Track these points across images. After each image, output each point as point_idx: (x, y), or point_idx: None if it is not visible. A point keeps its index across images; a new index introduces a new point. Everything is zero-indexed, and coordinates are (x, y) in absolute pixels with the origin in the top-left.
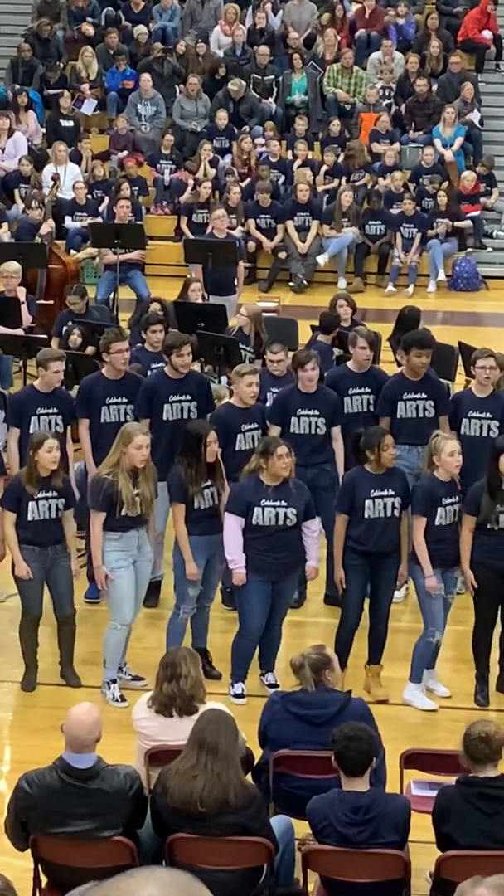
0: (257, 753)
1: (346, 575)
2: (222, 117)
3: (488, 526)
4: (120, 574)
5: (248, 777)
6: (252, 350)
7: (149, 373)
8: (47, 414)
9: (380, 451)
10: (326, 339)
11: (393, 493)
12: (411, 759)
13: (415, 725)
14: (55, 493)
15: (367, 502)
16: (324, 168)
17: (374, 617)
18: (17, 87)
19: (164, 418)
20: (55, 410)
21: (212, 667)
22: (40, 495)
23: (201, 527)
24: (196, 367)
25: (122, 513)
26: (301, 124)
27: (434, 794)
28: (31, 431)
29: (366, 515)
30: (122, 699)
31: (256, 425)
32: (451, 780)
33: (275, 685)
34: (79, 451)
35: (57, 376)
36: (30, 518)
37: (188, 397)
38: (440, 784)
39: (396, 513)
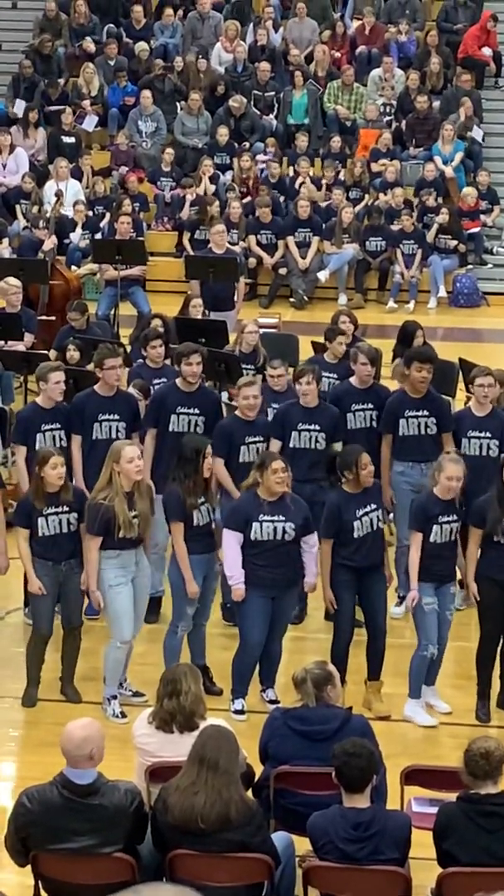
0: (258, 769)
1: (337, 591)
2: (223, 134)
3: (494, 538)
4: (119, 591)
5: (249, 793)
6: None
7: (151, 389)
8: (51, 429)
9: (358, 470)
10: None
11: (375, 506)
12: (412, 776)
13: (415, 742)
14: (65, 508)
15: (356, 523)
16: (324, 182)
17: (372, 632)
18: (27, 103)
19: (171, 430)
20: (58, 425)
21: (212, 683)
22: (50, 511)
23: (199, 545)
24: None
25: (120, 535)
26: (302, 140)
27: (435, 810)
28: (37, 448)
29: (355, 536)
30: (123, 715)
31: (261, 438)
32: (451, 796)
33: (275, 701)
34: None
35: (58, 387)
36: (41, 534)
37: (196, 411)
38: (441, 801)
39: (380, 524)
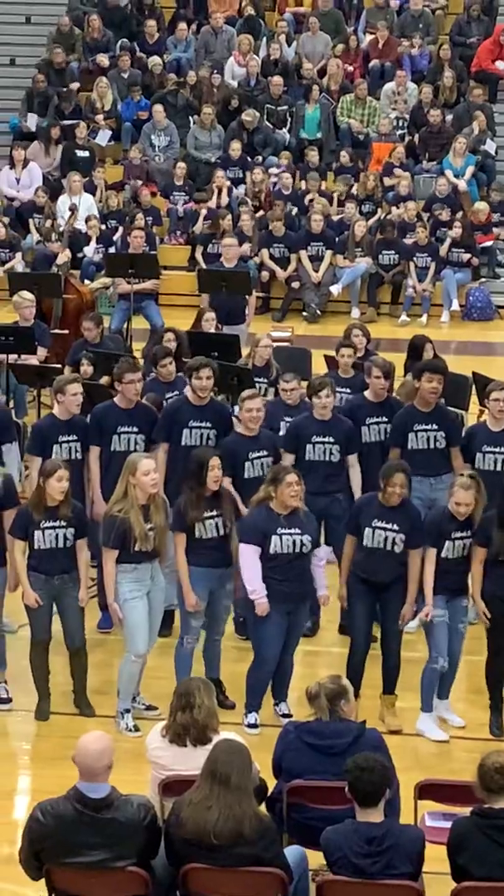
0: (271, 783)
1: (351, 600)
2: (236, 148)
3: (500, 558)
4: (134, 605)
5: (262, 807)
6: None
7: (164, 402)
8: (67, 441)
9: (387, 486)
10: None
11: (397, 528)
12: (426, 790)
13: (429, 756)
14: (63, 523)
15: (367, 530)
16: (336, 196)
17: (385, 649)
18: (42, 118)
19: (183, 443)
20: (75, 438)
21: (225, 696)
22: (47, 524)
23: (203, 558)
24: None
25: (136, 548)
26: (313, 155)
27: (448, 825)
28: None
29: (364, 543)
30: (136, 729)
31: (266, 452)
32: (465, 811)
33: (288, 715)
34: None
35: (75, 399)
36: (36, 546)
37: (208, 424)
38: (455, 815)
39: (397, 548)
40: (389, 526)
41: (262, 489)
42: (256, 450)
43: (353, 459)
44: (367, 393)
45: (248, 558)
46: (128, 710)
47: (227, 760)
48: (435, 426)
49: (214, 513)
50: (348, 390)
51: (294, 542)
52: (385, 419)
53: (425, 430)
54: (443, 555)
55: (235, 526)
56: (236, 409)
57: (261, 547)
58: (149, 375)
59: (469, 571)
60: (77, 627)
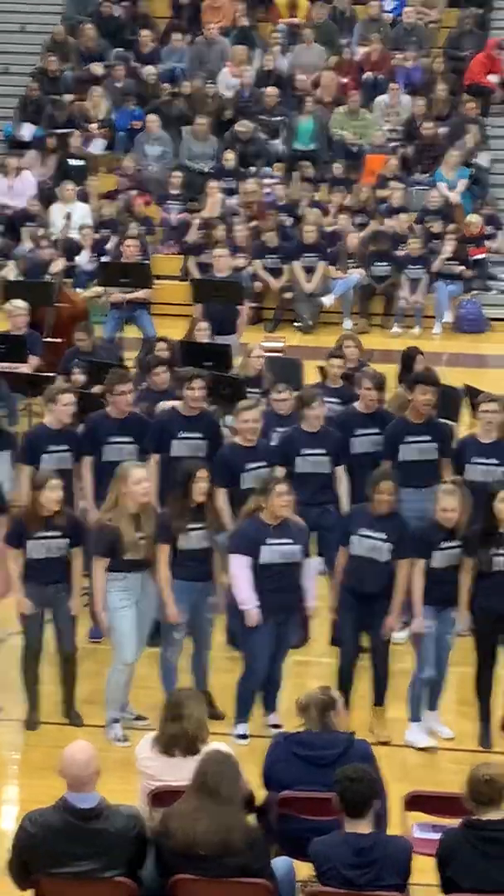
0: (260, 794)
1: (340, 611)
2: (230, 158)
3: (484, 569)
4: (123, 614)
5: (251, 818)
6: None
7: (157, 410)
8: (57, 451)
9: (374, 493)
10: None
11: (385, 537)
12: (414, 802)
13: (417, 767)
14: (58, 533)
15: (354, 538)
16: (330, 207)
17: (374, 658)
18: (37, 127)
19: (174, 455)
20: (65, 448)
21: (215, 707)
22: (41, 534)
23: (186, 570)
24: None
25: (126, 557)
26: (306, 170)
27: (437, 836)
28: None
29: (352, 552)
30: (125, 739)
31: (263, 463)
32: (454, 822)
33: (278, 726)
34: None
35: (67, 409)
36: (30, 556)
37: (199, 435)
38: (443, 827)
39: (384, 557)
40: (377, 535)
41: (252, 500)
42: (253, 461)
43: (340, 471)
44: (357, 404)
45: (239, 569)
46: (117, 720)
47: (216, 771)
48: (427, 437)
49: (199, 525)
50: (337, 400)
51: (284, 553)
52: (376, 431)
53: (417, 442)
54: (432, 565)
55: (218, 539)
56: (228, 419)
57: (251, 557)
58: (140, 385)
59: (457, 583)
60: (69, 634)
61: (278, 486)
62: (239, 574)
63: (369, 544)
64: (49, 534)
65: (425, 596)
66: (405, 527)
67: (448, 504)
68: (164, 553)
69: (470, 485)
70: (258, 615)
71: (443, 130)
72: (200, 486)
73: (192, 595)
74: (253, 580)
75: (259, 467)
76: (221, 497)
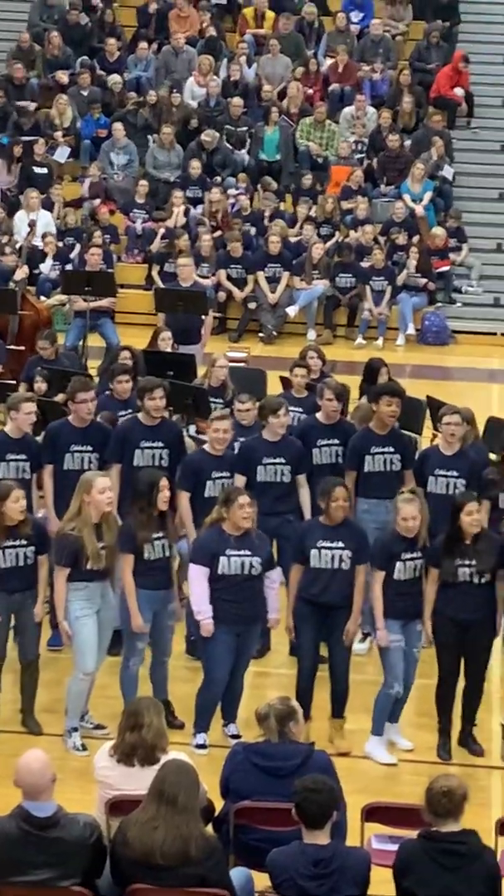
0: (219, 804)
1: (298, 624)
2: (195, 167)
3: (448, 580)
4: (84, 623)
5: (209, 828)
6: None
7: (119, 419)
8: (16, 460)
9: (329, 501)
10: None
11: (343, 545)
12: (372, 813)
13: (377, 779)
14: (23, 542)
15: (314, 552)
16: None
17: (333, 672)
18: (10, 137)
19: (135, 464)
20: (24, 457)
21: (174, 717)
22: (7, 543)
23: (150, 580)
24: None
25: (88, 566)
26: (269, 185)
27: (395, 847)
28: (0, 477)
29: (312, 565)
30: (84, 748)
31: (228, 474)
32: (412, 834)
33: (237, 736)
34: (41, 497)
35: (28, 418)
36: None
37: (160, 444)
38: (401, 838)
39: (345, 566)
40: (335, 544)
41: (214, 510)
42: (220, 469)
43: (302, 479)
44: (319, 415)
45: (196, 578)
46: (76, 729)
47: (174, 781)
48: (391, 449)
49: (161, 534)
50: (300, 409)
51: (243, 564)
52: (336, 441)
53: (382, 453)
54: (395, 577)
55: (181, 547)
56: (191, 429)
57: (209, 567)
58: (103, 393)
59: (421, 595)
60: (32, 641)
61: (240, 497)
62: (196, 584)
63: (329, 555)
64: (15, 543)
65: (390, 609)
66: (362, 532)
67: (408, 512)
68: (128, 563)
69: (431, 497)
70: (212, 625)
71: (408, 143)
72: (164, 496)
73: (154, 604)
74: (210, 590)
75: (223, 477)
76: (184, 500)
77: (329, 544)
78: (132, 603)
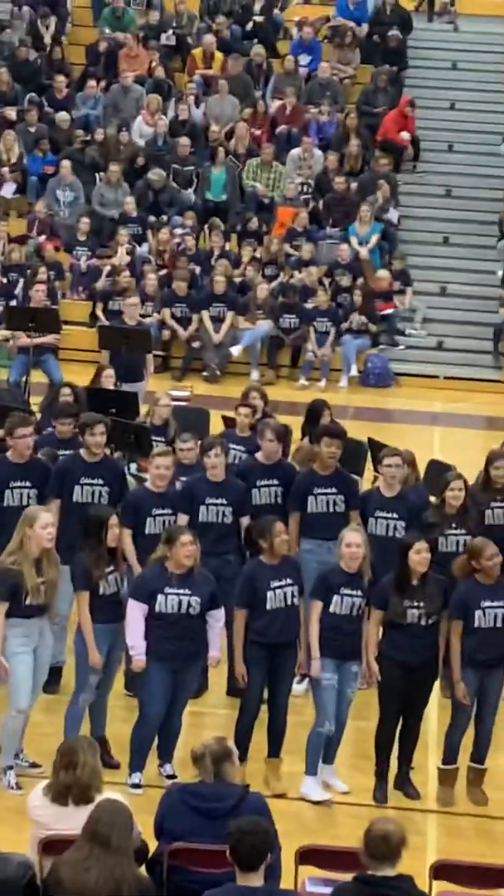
0: (153, 845)
1: (248, 668)
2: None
3: (396, 621)
4: (21, 659)
5: (142, 869)
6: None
7: (60, 456)
8: None
9: (272, 538)
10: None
11: (291, 581)
12: (307, 855)
13: (312, 821)
14: None
15: (269, 594)
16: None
17: (274, 710)
18: None
19: (74, 500)
20: None
21: (110, 756)
22: None
23: (104, 614)
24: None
25: (27, 602)
26: (216, 230)
27: (329, 891)
28: None
29: (268, 607)
30: (18, 786)
31: (169, 511)
32: (346, 877)
33: (173, 776)
34: None
35: None
36: None
37: (100, 481)
38: (336, 881)
39: (295, 601)
40: (284, 582)
41: (158, 548)
42: (161, 507)
43: (244, 522)
44: (259, 455)
45: (132, 614)
46: (10, 767)
47: (108, 821)
48: (333, 490)
49: (112, 568)
50: (242, 448)
51: (181, 603)
52: (276, 482)
53: (324, 494)
54: (331, 609)
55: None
56: (132, 467)
57: (147, 605)
58: (45, 430)
59: (358, 636)
60: None
61: (183, 535)
62: (131, 620)
63: (281, 594)
64: None
65: (325, 648)
66: (298, 564)
67: (352, 538)
68: (84, 600)
69: (373, 538)
70: (143, 662)
71: (354, 185)
72: (114, 532)
73: (110, 637)
74: (149, 627)
75: (165, 514)
76: (127, 538)
77: (280, 583)
78: (90, 639)
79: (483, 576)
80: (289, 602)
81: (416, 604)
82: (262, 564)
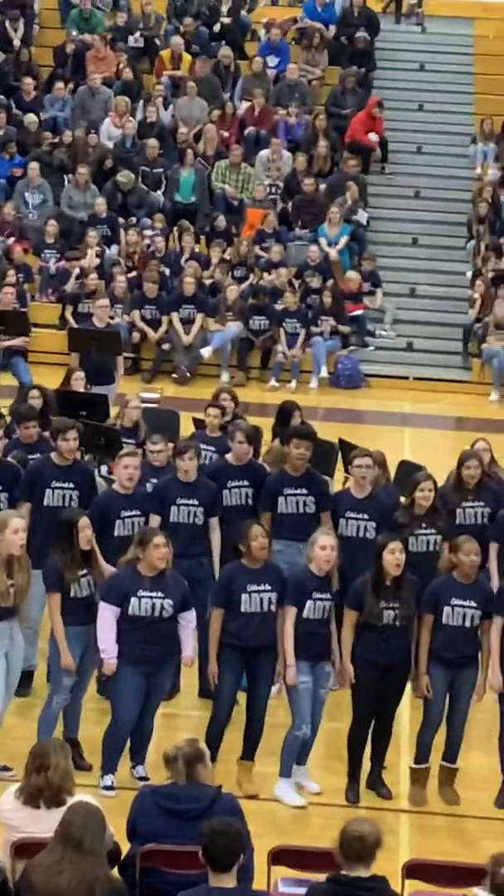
0: (125, 847)
1: (220, 670)
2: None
3: (370, 622)
4: None
5: (115, 871)
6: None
7: (30, 460)
8: None
9: (248, 541)
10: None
11: (269, 587)
12: (279, 856)
13: (285, 821)
14: None
15: (244, 596)
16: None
17: (251, 713)
18: None
19: (45, 504)
20: None
21: (82, 758)
22: None
23: (77, 617)
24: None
25: None
26: (187, 235)
27: (302, 891)
28: None
29: (242, 610)
30: None
31: (138, 512)
32: (319, 877)
33: (145, 778)
34: None
35: None
36: None
37: (71, 485)
38: (308, 881)
39: (272, 607)
40: (262, 587)
41: (130, 550)
42: (129, 508)
43: (213, 522)
44: (229, 456)
45: (104, 617)
46: None
47: (80, 824)
48: (304, 490)
49: (85, 571)
50: (213, 449)
51: (154, 606)
52: (246, 483)
53: (295, 495)
54: (305, 614)
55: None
56: (103, 469)
57: (119, 607)
58: (14, 434)
59: (329, 637)
60: None
61: (155, 537)
62: (103, 622)
63: (258, 598)
64: None
65: (300, 650)
66: (280, 571)
67: (326, 541)
68: (55, 602)
69: (344, 539)
70: (115, 665)
71: (323, 187)
72: (86, 535)
73: (84, 639)
74: (121, 630)
75: (133, 516)
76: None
77: (258, 587)
78: (61, 641)
79: (459, 573)
80: (265, 608)
81: (391, 605)
82: (242, 567)
